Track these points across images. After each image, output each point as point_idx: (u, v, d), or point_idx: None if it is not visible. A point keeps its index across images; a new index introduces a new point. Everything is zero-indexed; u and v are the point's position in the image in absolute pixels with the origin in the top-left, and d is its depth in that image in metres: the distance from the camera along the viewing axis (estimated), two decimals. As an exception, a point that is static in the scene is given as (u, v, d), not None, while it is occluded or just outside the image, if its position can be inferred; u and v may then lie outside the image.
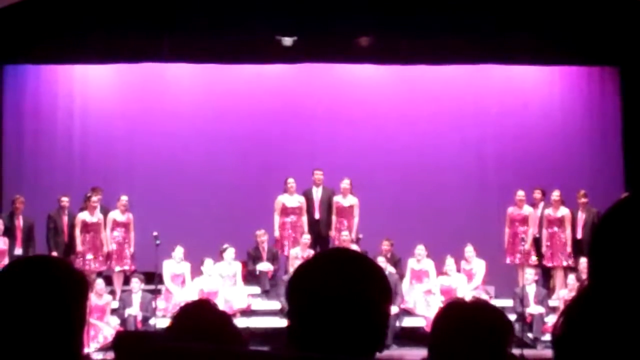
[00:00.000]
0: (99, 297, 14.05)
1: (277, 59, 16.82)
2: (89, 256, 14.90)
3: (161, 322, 13.60)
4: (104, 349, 13.20)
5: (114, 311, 14.34)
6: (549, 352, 12.77)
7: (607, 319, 1.51)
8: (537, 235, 15.44)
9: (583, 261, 14.50)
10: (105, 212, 15.24)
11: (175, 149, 16.90)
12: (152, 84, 17.27)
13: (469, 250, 15.06)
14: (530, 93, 17.56)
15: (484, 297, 14.25)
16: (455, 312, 2.89)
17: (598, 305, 1.53)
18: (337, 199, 15.66)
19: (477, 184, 17.12)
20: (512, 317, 14.24)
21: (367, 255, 2.20)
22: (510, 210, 15.50)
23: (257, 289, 15.20)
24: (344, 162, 16.32)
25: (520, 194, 15.43)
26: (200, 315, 2.98)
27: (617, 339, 1.50)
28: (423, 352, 2.97)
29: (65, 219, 15.15)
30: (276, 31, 16.41)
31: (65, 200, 15.20)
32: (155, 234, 14.50)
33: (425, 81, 17.36)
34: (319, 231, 15.66)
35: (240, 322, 12.55)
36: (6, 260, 13.75)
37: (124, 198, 15.23)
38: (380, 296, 2.06)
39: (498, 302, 14.47)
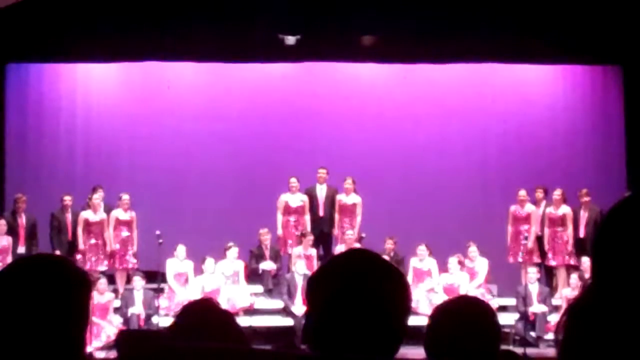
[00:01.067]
0: (101, 295, 14.06)
1: (280, 57, 16.81)
2: (93, 256, 14.94)
3: (164, 320, 13.61)
4: (106, 347, 13.20)
5: (116, 310, 14.35)
6: (551, 351, 12.78)
7: (611, 318, 1.51)
8: (540, 234, 15.44)
9: (585, 260, 14.49)
10: (108, 210, 15.26)
11: (178, 148, 16.89)
12: (154, 82, 17.26)
13: (473, 249, 15.07)
14: (533, 92, 17.54)
15: (487, 296, 14.27)
16: (445, 311, 2.91)
17: (601, 304, 1.53)
18: (340, 197, 15.66)
19: (481, 182, 17.10)
20: (515, 315, 14.26)
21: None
22: (513, 208, 15.50)
23: (259, 288, 15.20)
24: (347, 161, 16.32)
25: (522, 193, 15.43)
26: (203, 314, 2.98)
27: (620, 338, 1.50)
28: (425, 351, 2.99)
29: (69, 217, 15.18)
30: (279, 30, 16.39)
31: (68, 200, 15.22)
32: (157, 232, 14.51)
33: (429, 80, 17.35)
34: (323, 229, 15.67)
35: (243, 321, 12.55)
36: (9, 259, 13.77)
37: (126, 197, 15.25)
38: (400, 303, 2.06)
39: (501, 301, 14.51)
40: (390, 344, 2.04)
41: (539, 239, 15.45)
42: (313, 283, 2.09)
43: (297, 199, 15.61)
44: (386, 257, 15.01)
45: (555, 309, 14.37)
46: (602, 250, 1.57)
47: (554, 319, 13.95)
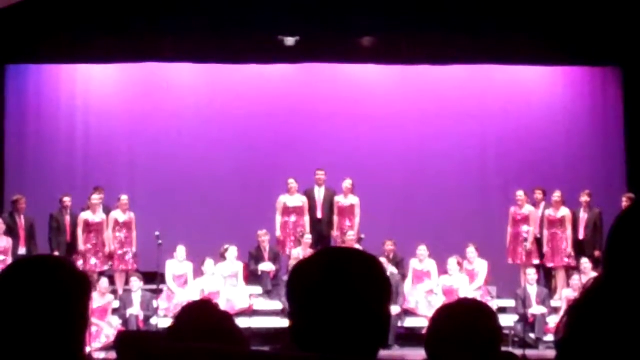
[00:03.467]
0: (101, 295, 14.05)
1: (279, 59, 16.81)
2: (92, 257, 14.94)
3: (163, 322, 13.60)
4: (106, 348, 13.20)
5: (115, 311, 14.34)
6: (551, 353, 12.77)
7: (618, 317, 1.50)
8: (539, 236, 15.43)
9: (585, 261, 14.48)
10: (107, 211, 15.26)
11: (177, 149, 16.89)
12: (154, 83, 17.26)
13: (471, 250, 15.05)
14: (532, 93, 17.54)
15: (486, 297, 14.25)
16: (446, 314, 2.92)
17: (610, 303, 1.52)
18: (339, 199, 15.66)
19: (480, 184, 17.10)
20: (514, 317, 14.25)
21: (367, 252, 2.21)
22: (513, 210, 15.50)
23: (259, 289, 15.20)
24: (345, 162, 16.31)
25: (519, 194, 15.42)
26: (202, 316, 2.97)
27: (625, 337, 1.49)
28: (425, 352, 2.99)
29: (68, 218, 15.17)
30: (279, 31, 16.40)
31: (67, 200, 15.21)
32: (157, 233, 14.51)
33: (428, 81, 17.35)
34: (321, 231, 15.67)
35: (242, 323, 12.54)
36: (10, 260, 13.76)
37: (124, 198, 15.24)
38: (380, 292, 2.05)
39: (500, 303, 14.50)
40: (372, 341, 2.03)
41: (538, 241, 15.44)
42: (291, 282, 2.09)
43: (296, 200, 15.61)
44: (385, 259, 14.96)
45: (555, 310, 14.36)
46: (615, 250, 1.57)
47: (553, 320, 13.94)
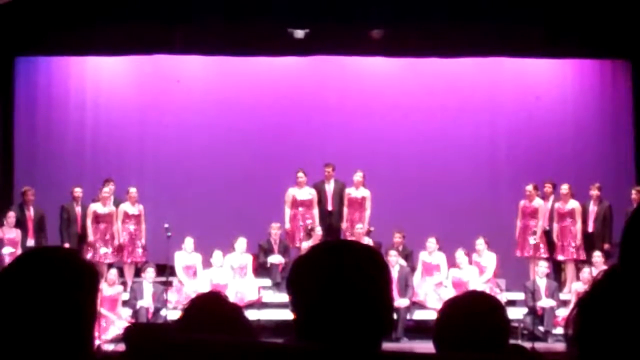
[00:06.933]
0: (110, 287, 14.08)
1: (289, 51, 16.80)
2: (102, 248, 14.97)
3: (172, 314, 13.62)
4: (114, 340, 13.22)
5: (125, 303, 14.38)
6: (560, 346, 12.76)
7: (630, 309, 1.50)
8: (548, 228, 15.41)
9: (597, 254, 14.43)
10: (117, 204, 15.30)
11: (187, 141, 16.91)
12: (164, 76, 17.27)
13: (480, 243, 15.05)
14: (542, 86, 17.50)
15: (495, 290, 14.25)
16: (455, 306, 2.92)
17: (623, 295, 1.52)
18: (350, 191, 15.66)
19: (489, 176, 17.08)
20: (524, 310, 14.25)
21: (374, 246, 2.22)
22: (522, 203, 15.48)
23: (268, 282, 15.22)
24: (355, 155, 16.31)
25: (529, 187, 15.39)
26: (211, 308, 2.97)
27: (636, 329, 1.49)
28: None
29: (79, 210, 15.23)
30: (288, 24, 16.38)
31: (78, 192, 15.27)
32: (166, 225, 14.53)
33: (437, 74, 17.32)
34: (332, 223, 15.66)
35: (251, 315, 12.56)
36: (19, 251, 13.79)
37: (133, 190, 15.28)
38: (379, 282, 2.06)
39: (509, 295, 14.48)
40: (376, 328, 2.03)
41: (547, 234, 15.42)
42: (290, 278, 2.11)
43: (305, 193, 15.61)
44: (395, 251, 14.92)
45: (564, 303, 14.35)
46: (629, 242, 1.57)
47: (562, 313, 13.93)
